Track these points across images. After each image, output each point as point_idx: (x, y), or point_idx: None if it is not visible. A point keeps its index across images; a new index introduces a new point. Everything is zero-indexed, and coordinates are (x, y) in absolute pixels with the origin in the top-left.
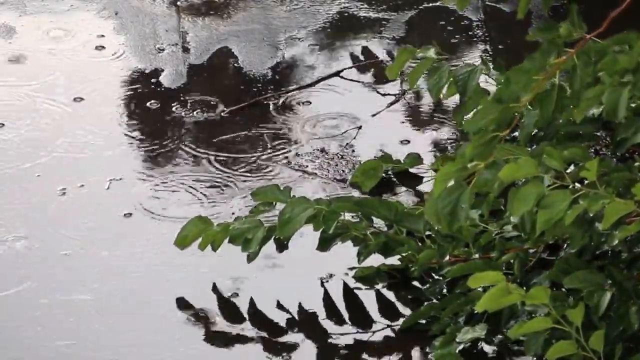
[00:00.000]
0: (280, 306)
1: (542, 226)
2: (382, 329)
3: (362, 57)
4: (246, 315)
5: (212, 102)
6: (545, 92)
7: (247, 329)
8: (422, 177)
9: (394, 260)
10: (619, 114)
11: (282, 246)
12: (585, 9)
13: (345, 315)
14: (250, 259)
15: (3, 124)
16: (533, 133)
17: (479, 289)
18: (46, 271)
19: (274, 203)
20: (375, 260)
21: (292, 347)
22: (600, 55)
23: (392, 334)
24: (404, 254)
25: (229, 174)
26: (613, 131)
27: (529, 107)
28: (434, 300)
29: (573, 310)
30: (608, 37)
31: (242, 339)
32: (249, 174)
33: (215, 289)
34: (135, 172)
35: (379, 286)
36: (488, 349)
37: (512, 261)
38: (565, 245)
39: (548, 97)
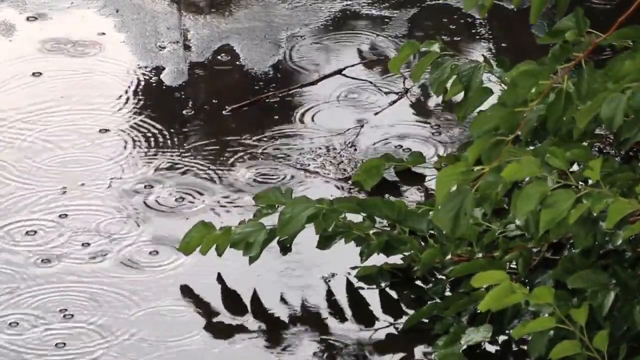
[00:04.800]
0: (283, 305)
1: (545, 225)
2: (385, 327)
3: (364, 55)
4: (249, 314)
5: (213, 100)
6: (553, 99)
7: (250, 328)
8: (425, 176)
9: (397, 259)
10: (616, 122)
11: (285, 249)
12: (585, 10)
13: (348, 314)
14: (252, 260)
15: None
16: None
17: (482, 289)
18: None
19: (276, 205)
20: (377, 259)
21: (295, 346)
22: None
23: (395, 333)
24: (406, 253)
25: (230, 172)
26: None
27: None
28: (437, 300)
29: (577, 309)
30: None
31: (245, 338)
32: (250, 173)
33: (216, 287)
34: (136, 170)
35: (381, 285)
36: (491, 348)
37: (515, 260)
38: (569, 245)
39: (556, 104)
